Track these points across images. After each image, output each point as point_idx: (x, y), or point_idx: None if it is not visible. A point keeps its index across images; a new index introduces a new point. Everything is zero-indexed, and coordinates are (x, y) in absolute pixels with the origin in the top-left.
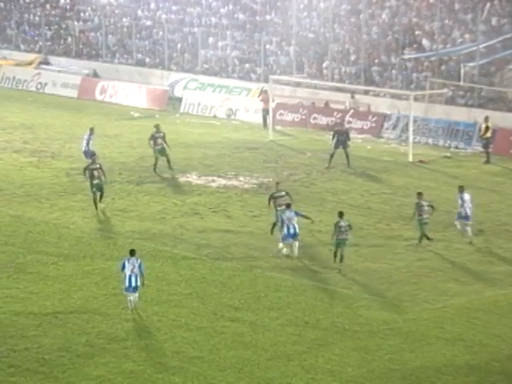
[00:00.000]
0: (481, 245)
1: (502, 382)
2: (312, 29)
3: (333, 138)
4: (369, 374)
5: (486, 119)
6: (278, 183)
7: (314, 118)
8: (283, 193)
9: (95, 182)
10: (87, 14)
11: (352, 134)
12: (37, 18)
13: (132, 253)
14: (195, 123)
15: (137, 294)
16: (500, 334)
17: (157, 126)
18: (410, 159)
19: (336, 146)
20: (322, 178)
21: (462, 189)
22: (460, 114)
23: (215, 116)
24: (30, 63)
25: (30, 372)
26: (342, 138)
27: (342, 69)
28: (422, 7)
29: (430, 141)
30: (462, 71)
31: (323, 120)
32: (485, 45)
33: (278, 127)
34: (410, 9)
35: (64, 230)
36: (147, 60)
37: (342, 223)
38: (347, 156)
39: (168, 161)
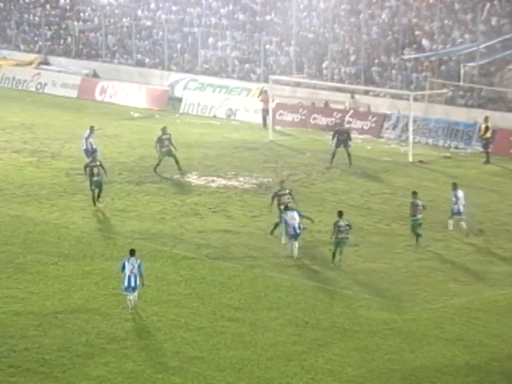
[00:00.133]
0: (481, 245)
1: (502, 381)
2: (312, 29)
3: (333, 137)
4: (369, 374)
5: (486, 119)
6: (282, 181)
7: (314, 118)
8: (287, 191)
9: (94, 178)
10: (87, 14)
11: (352, 134)
12: (37, 18)
13: (132, 253)
14: (195, 123)
15: (136, 294)
16: (500, 334)
17: (163, 129)
18: (410, 159)
19: (337, 146)
20: (321, 178)
21: (455, 186)
22: (460, 114)
23: (215, 116)
24: (30, 63)
25: (29, 372)
26: (342, 137)
27: (341, 69)
28: (422, 7)
29: (430, 141)
30: (462, 71)
31: (323, 120)
32: (485, 45)
33: (278, 127)
34: (410, 9)
35: (64, 230)
36: (147, 60)
37: (341, 223)
38: (349, 155)
39: (176, 162)
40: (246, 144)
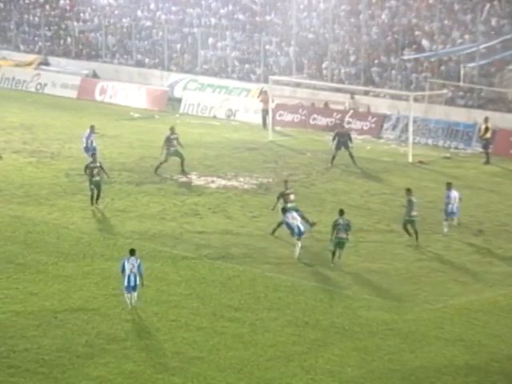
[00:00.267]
0: (481, 245)
1: (502, 382)
2: (312, 29)
3: (333, 139)
4: (368, 375)
5: (486, 120)
6: (286, 181)
7: (314, 119)
8: (292, 189)
9: (94, 179)
10: (87, 14)
11: (352, 135)
12: (36, 19)
13: (132, 252)
14: (195, 124)
15: (135, 293)
16: (499, 335)
17: (171, 129)
18: (410, 160)
19: (337, 148)
20: (321, 178)
21: (449, 186)
22: (460, 115)
23: (215, 116)
24: (30, 64)
25: (29, 372)
26: (342, 139)
27: (341, 69)
28: (422, 8)
29: (430, 141)
30: (462, 72)
31: (323, 120)
32: (485, 45)
33: (278, 128)
34: (410, 9)
35: (64, 231)
36: (147, 60)
37: (341, 221)
38: (352, 156)
39: (182, 162)
40: (246, 144)
